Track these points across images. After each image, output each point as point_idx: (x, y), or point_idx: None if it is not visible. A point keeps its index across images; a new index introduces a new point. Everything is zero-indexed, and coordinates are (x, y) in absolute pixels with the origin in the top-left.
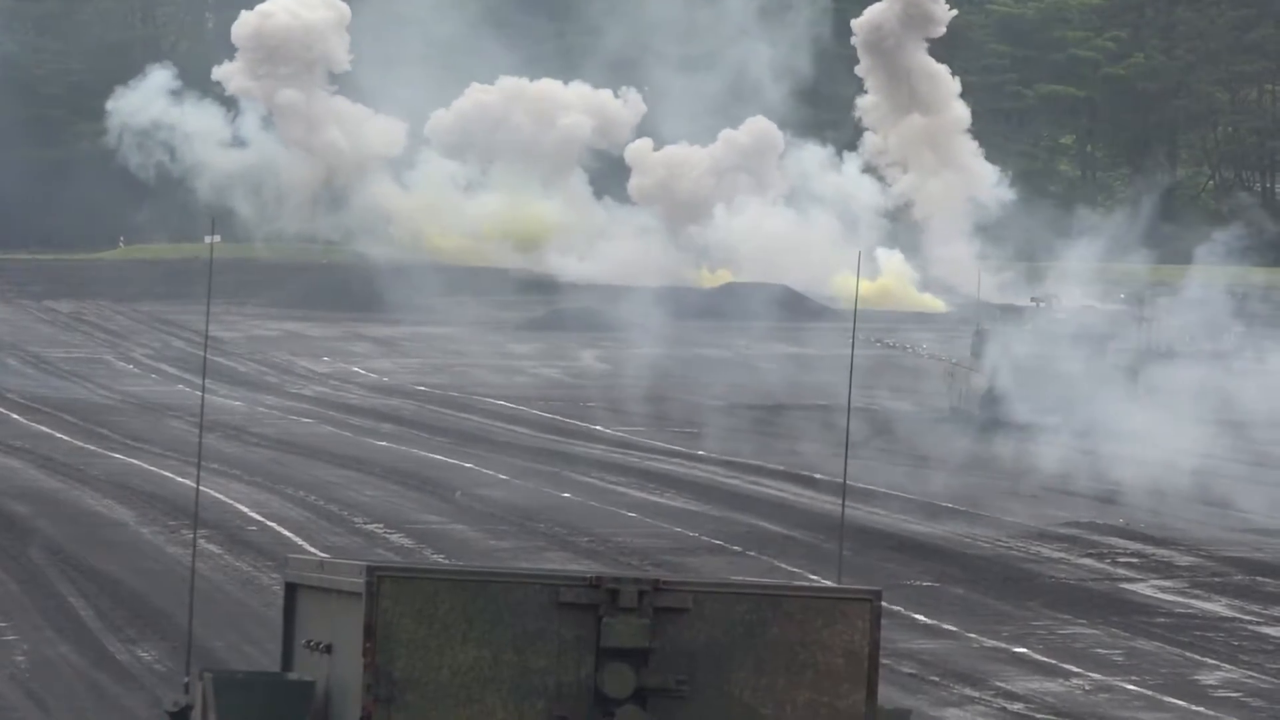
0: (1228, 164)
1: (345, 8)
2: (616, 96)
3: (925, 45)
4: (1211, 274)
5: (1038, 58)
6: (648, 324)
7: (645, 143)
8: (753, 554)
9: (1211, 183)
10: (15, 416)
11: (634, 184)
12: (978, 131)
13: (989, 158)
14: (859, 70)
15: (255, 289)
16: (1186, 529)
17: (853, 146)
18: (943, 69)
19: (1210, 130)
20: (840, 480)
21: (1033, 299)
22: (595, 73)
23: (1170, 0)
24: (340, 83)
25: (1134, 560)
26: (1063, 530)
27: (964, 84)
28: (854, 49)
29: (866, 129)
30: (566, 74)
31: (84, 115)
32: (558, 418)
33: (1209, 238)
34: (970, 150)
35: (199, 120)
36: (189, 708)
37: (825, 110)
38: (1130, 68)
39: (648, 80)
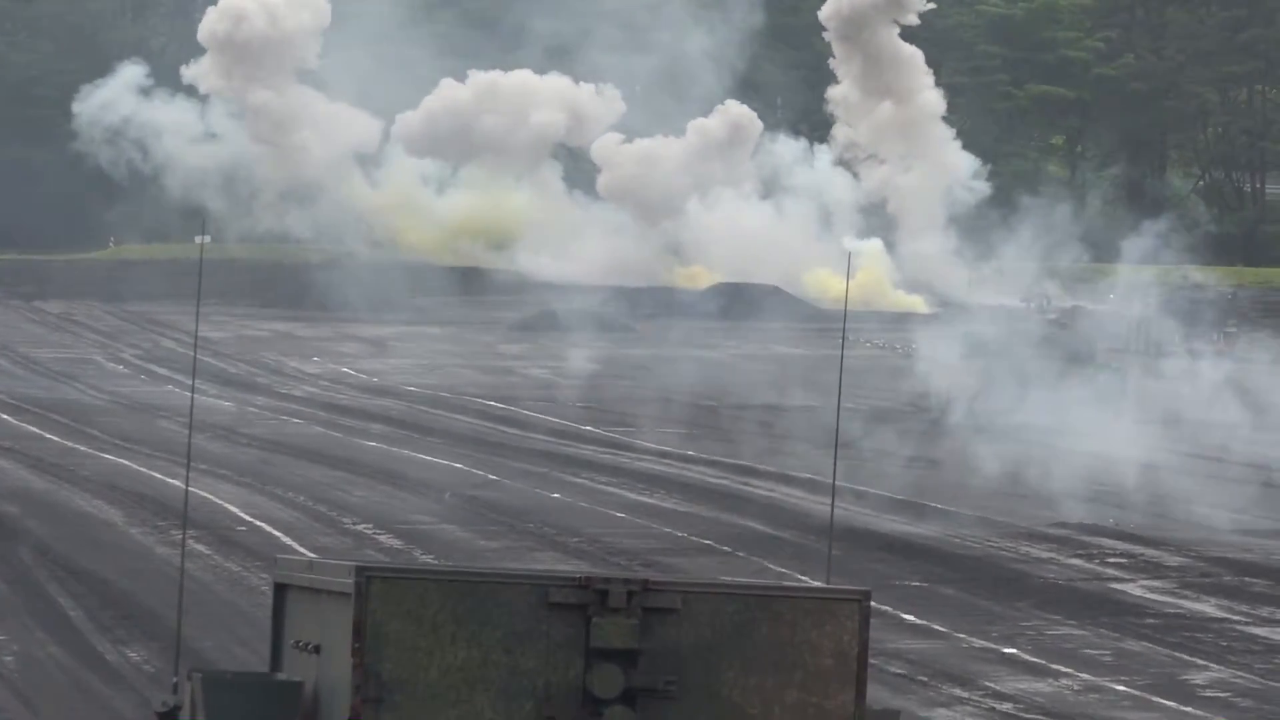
0: (1218, 165)
1: (323, 6)
2: (597, 92)
3: (896, 30)
4: (1144, 272)
5: (1028, 58)
6: (634, 324)
7: (613, 137)
8: (742, 554)
9: (1202, 183)
10: (5, 417)
11: (603, 180)
12: (967, 131)
13: (976, 154)
14: (832, 63)
15: (245, 289)
16: (1175, 529)
17: (824, 139)
18: (915, 54)
19: (1201, 131)
20: (830, 481)
21: (1024, 300)
22: (538, 63)
23: (1161, 0)
24: (312, 79)
25: (1123, 561)
26: (1052, 530)
27: (955, 85)
28: (792, 35)
29: (838, 120)
30: (513, 67)
31: (70, 115)
32: (547, 418)
33: (1139, 230)
34: (945, 138)
35: (169, 116)
36: (178, 708)
37: (795, 104)
38: (1121, 68)
39: (610, 73)
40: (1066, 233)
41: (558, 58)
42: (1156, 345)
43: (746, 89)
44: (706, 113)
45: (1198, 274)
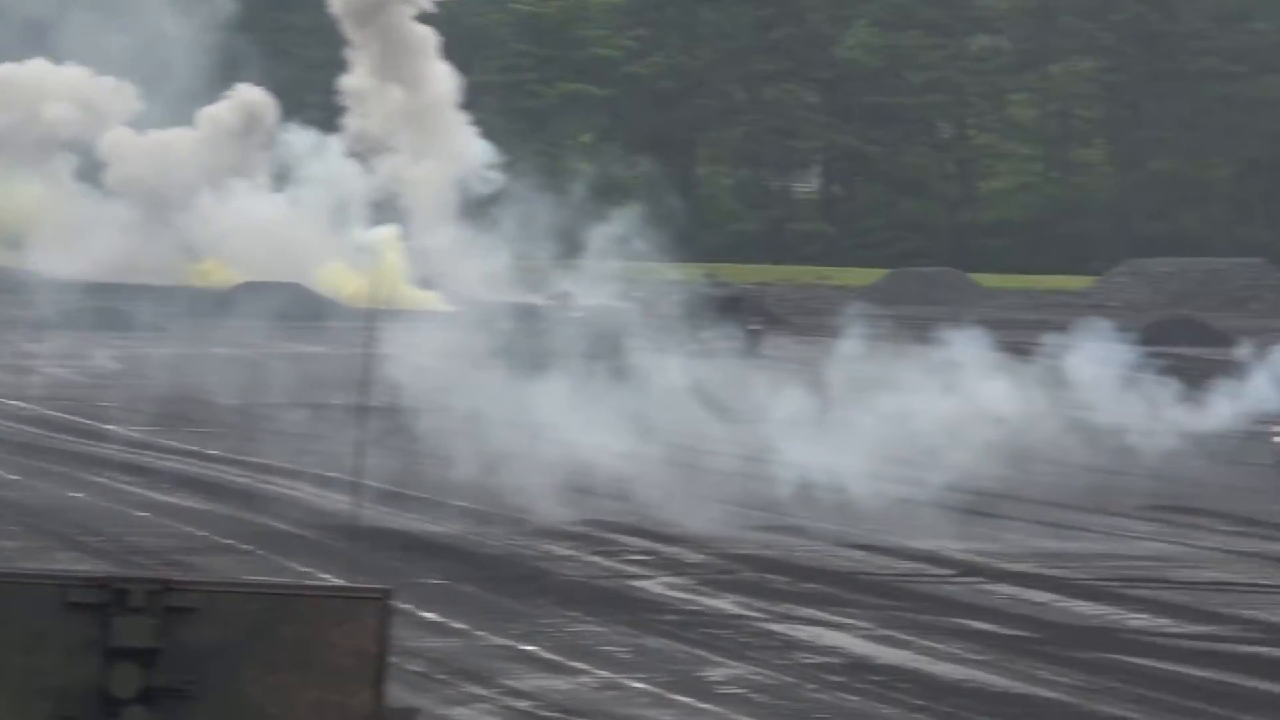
0: (747, 163)
1: None
2: (115, 88)
3: (410, 13)
4: (607, 267)
5: (559, 56)
6: (160, 323)
7: (125, 131)
8: (263, 553)
9: (730, 181)
10: None
11: (113, 175)
12: (497, 131)
13: (505, 154)
14: (348, 52)
15: None
16: (695, 525)
17: (335, 128)
18: (428, 38)
19: (729, 129)
20: (354, 479)
21: (549, 297)
22: (17, 50)
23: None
24: None
25: (644, 557)
26: (574, 528)
27: (485, 83)
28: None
29: (349, 110)
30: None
31: None
32: (70, 417)
33: (605, 219)
34: (459, 125)
35: None
36: None
37: (303, 92)
38: (651, 66)
39: (91, 57)
40: (547, 226)
41: (36, 42)
42: (678, 343)
43: (246, 75)
44: (206, 102)
45: (671, 270)
